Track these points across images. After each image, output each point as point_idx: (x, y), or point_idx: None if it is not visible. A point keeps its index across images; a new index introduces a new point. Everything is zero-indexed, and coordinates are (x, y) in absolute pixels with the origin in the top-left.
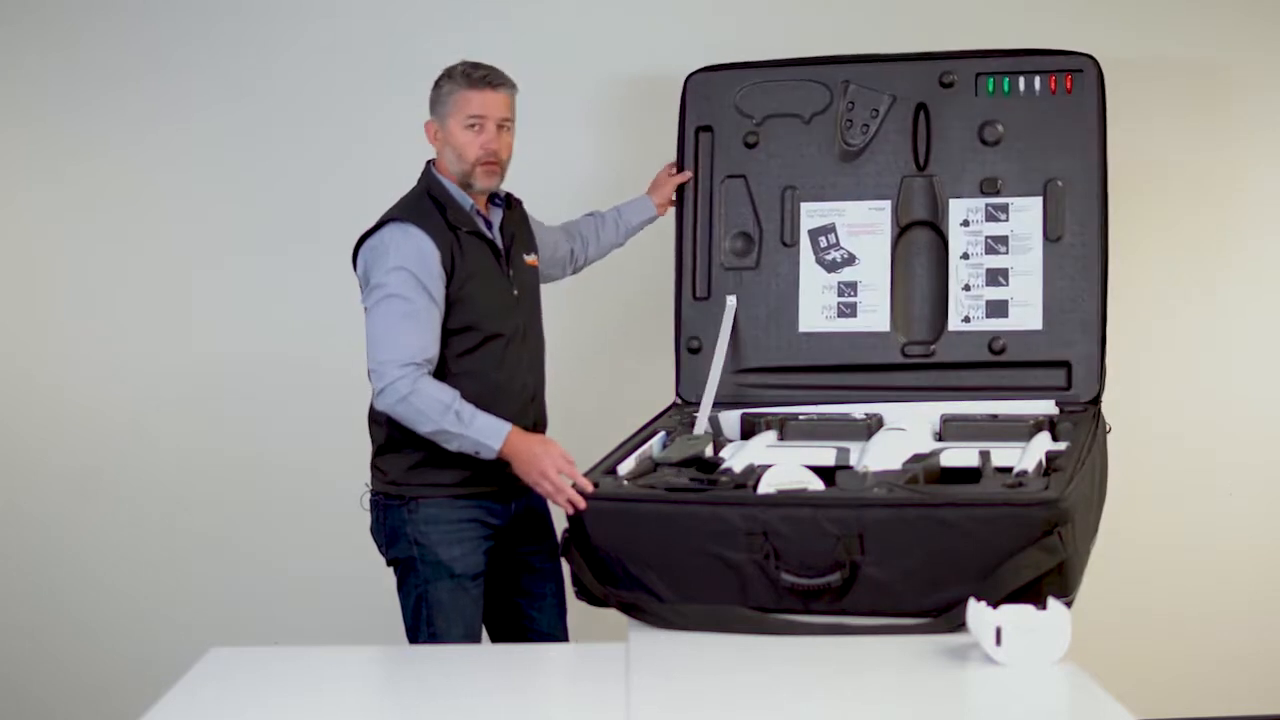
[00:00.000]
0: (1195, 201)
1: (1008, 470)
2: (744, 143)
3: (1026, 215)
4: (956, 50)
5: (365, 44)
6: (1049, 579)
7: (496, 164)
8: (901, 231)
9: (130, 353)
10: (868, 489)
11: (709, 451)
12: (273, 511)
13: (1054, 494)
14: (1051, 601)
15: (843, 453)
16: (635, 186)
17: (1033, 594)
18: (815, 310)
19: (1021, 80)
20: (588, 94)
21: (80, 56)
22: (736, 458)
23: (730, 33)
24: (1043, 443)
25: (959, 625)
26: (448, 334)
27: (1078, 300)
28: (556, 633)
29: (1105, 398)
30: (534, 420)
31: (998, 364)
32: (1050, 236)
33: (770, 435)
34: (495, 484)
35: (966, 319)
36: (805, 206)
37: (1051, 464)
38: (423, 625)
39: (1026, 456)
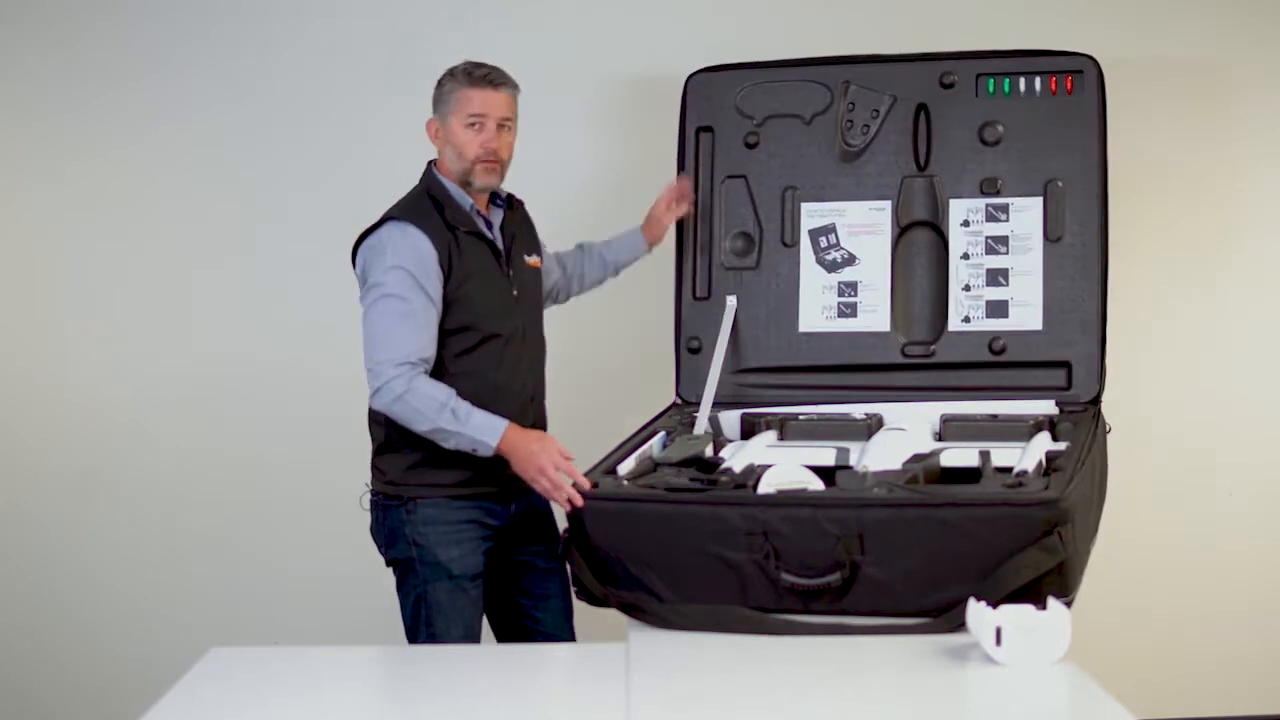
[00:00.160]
0: (1195, 201)
1: (1008, 470)
2: (744, 143)
3: (1026, 215)
4: (957, 51)
5: (365, 44)
6: (1049, 579)
7: (496, 162)
8: (902, 232)
9: (130, 353)
10: (868, 489)
11: (709, 451)
12: (273, 511)
13: (1054, 494)
14: (1051, 601)
15: (843, 453)
16: (635, 187)
17: (1033, 594)
18: (815, 310)
19: (1022, 81)
20: (588, 94)
21: (80, 56)
22: (736, 458)
23: (730, 33)
24: (1043, 443)
25: (959, 625)
26: (446, 334)
27: (1078, 300)
28: (562, 633)
29: (1105, 398)
30: (533, 421)
31: (998, 364)
32: (1050, 237)
33: (770, 435)
34: (495, 485)
35: (966, 319)
36: (806, 207)
37: (1051, 464)
38: (422, 626)
39: (1026, 456)
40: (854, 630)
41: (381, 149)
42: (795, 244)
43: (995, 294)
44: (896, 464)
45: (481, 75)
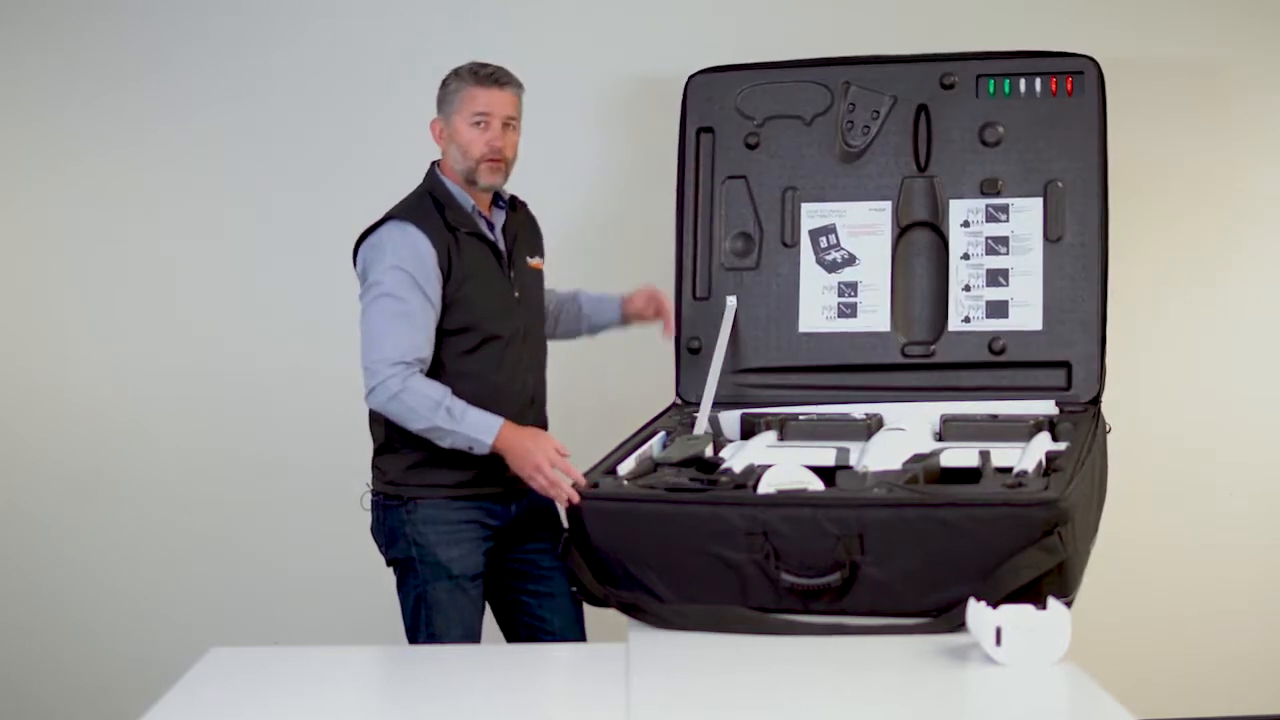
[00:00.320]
0: (1195, 201)
1: (1008, 470)
2: (745, 143)
3: (1027, 216)
4: (957, 52)
5: (365, 44)
6: (1049, 579)
7: (501, 161)
8: (902, 232)
9: (130, 353)
10: (868, 489)
11: (709, 451)
12: (273, 511)
13: (1054, 494)
14: (1051, 601)
15: (843, 453)
16: (635, 187)
17: (1033, 594)
18: (815, 310)
19: (1022, 81)
20: (588, 95)
21: (80, 56)
22: (736, 458)
23: (730, 33)
24: (1043, 443)
25: (959, 625)
26: (446, 334)
27: (1078, 300)
28: (570, 631)
29: (1105, 398)
30: (534, 423)
31: (998, 364)
32: (1050, 237)
33: (770, 435)
34: (496, 485)
35: (966, 319)
36: (806, 207)
37: (1051, 464)
38: (421, 625)
39: (1026, 456)
40: (854, 630)
41: (382, 149)
42: (795, 244)
43: (995, 294)
44: (896, 464)
45: (486, 74)
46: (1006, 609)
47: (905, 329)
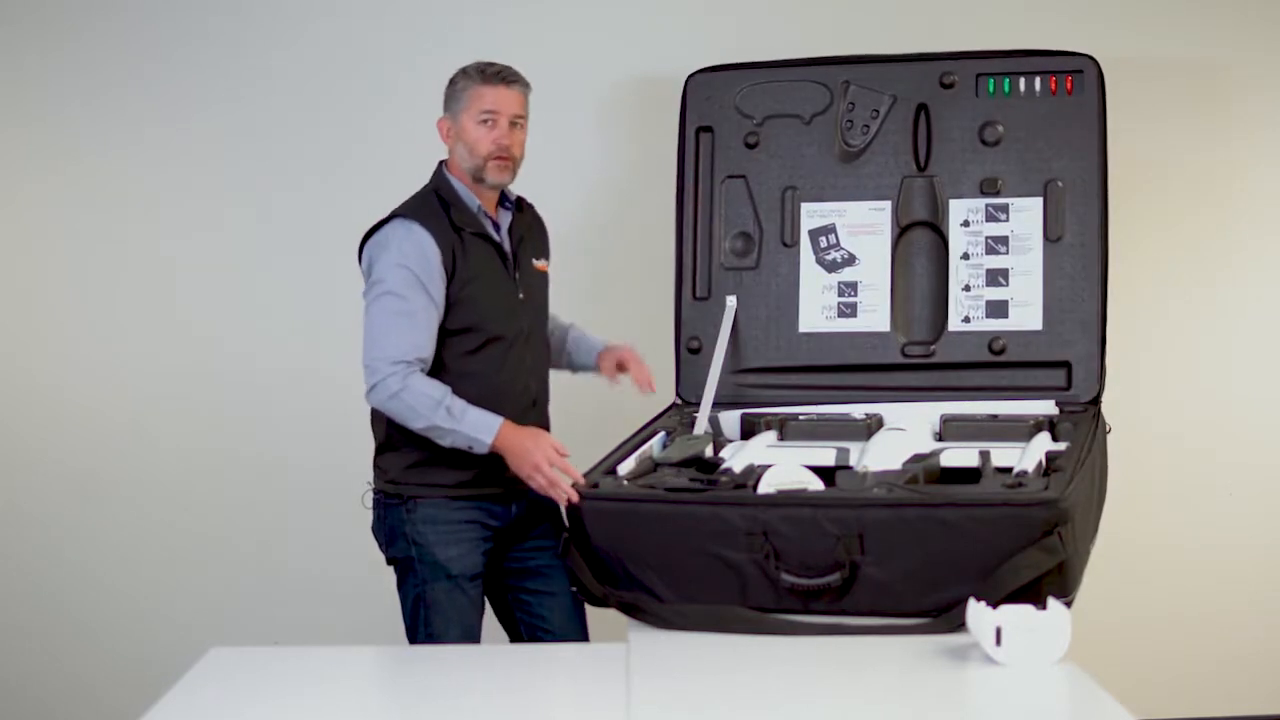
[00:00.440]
0: (1195, 201)
1: (1008, 470)
2: (744, 143)
3: (1026, 215)
4: (957, 51)
5: (365, 44)
6: (1049, 579)
7: (509, 159)
8: (902, 232)
9: (130, 353)
10: (868, 489)
11: (709, 451)
12: (273, 511)
13: (1054, 494)
14: (1051, 601)
15: (843, 453)
16: (636, 187)
17: (1033, 594)
18: (815, 310)
19: (1022, 81)
20: (588, 94)
21: (80, 56)
22: (736, 458)
23: (730, 33)
24: (1043, 443)
25: (959, 625)
26: (449, 334)
27: (1078, 300)
28: (569, 631)
29: (1105, 398)
30: (535, 425)
31: (998, 364)
32: (1050, 236)
33: (770, 435)
34: (496, 485)
35: (966, 319)
36: (805, 207)
37: (1051, 464)
38: (421, 625)
39: (1026, 456)
40: (854, 630)
41: (381, 149)
42: (795, 244)
43: (995, 294)
44: (896, 464)
45: (494, 73)
46: (1006, 609)
47: (905, 329)
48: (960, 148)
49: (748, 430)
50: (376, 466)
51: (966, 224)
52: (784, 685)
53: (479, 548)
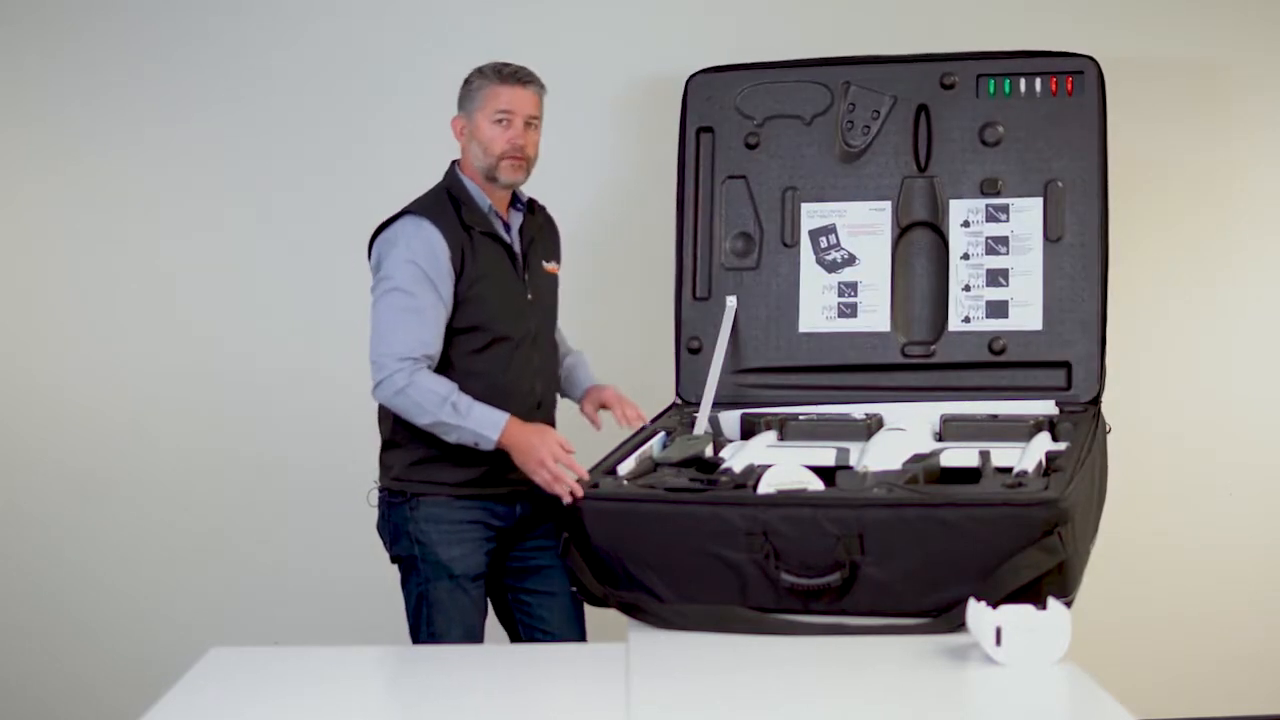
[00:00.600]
0: (1195, 201)
1: (1008, 470)
2: (745, 143)
3: (1026, 216)
4: (957, 51)
5: (365, 44)
6: (1049, 579)
7: (522, 159)
8: (902, 232)
9: (130, 353)
10: (868, 489)
11: (709, 451)
12: (273, 511)
13: (1054, 494)
14: (1051, 601)
15: (843, 453)
16: (636, 187)
17: (1033, 594)
18: (815, 310)
19: (1022, 81)
20: (588, 95)
21: (80, 56)
22: (736, 458)
23: (730, 33)
24: (1043, 443)
25: (959, 625)
26: (456, 333)
27: (1078, 300)
28: (568, 632)
29: (1105, 398)
30: None
31: (998, 364)
32: (1050, 237)
33: (770, 435)
34: (500, 485)
35: (966, 319)
36: (806, 207)
37: (1051, 464)
38: (423, 624)
39: (1026, 456)
40: (854, 630)
41: (381, 149)
42: (795, 244)
43: (995, 294)
44: (896, 464)
45: (510, 73)
46: (1006, 609)
47: (905, 329)
48: (960, 148)
49: (748, 430)
50: (381, 464)
51: (966, 224)
52: (784, 685)
53: (482, 548)
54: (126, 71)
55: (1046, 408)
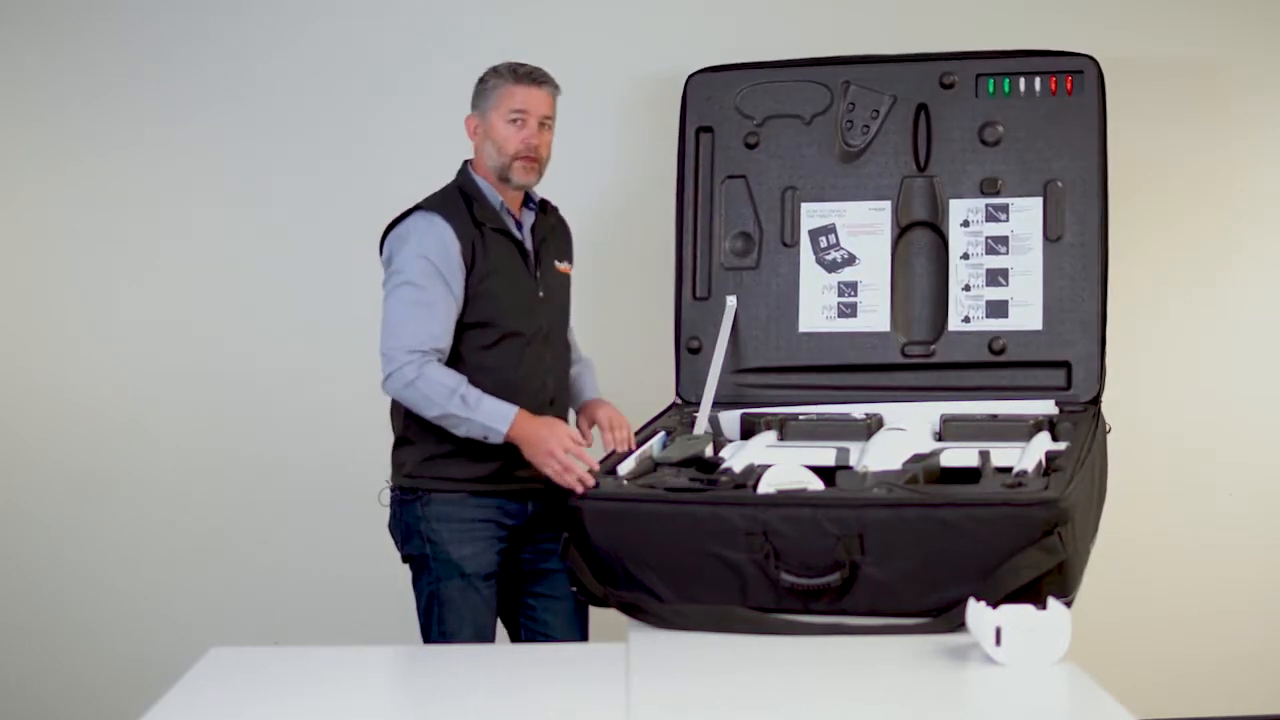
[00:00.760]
0: (1195, 201)
1: (1008, 470)
2: (744, 143)
3: (1026, 215)
4: (957, 51)
5: (365, 44)
6: (1049, 579)
7: (535, 159)
8: (902, 232)
9: (130, 353)
10: (868, 489)
11: (709, 451)
12: (273, 511)
13: (1054, 494)
14: (1051, 601)
15: (843, 453)
16: (635, 187)
17: (1033, 594)
18: (815, 310)
19: (1022, 81)
20: (588, 95)
21: (80, 56)
22: (736, 458)
23: (730, 33)
24: (1043, 443)
25: (959, 625)
26: (467, 328)
27: (1078, 300)
28: (571, 639)
29: (1105, 398)
30: None
31: (998, 364)
32: (1050, 236)
33: (770, 435)
34: (512, 482)
35: (966, 319)
36: (805, 207)
37: (1051, 464)
38: (434, 623)
39: (1026, 456)
40: (854, 630)
41: (382, 149)
42: (795, 244)
43: (995, 294)
44: (896, 464)
45: (525, 73)
46: (1006, 609)
47: (905, 329)
48: (960, 148)
49: (748, 430)
50: (394, 461)
51: (966, 224)
52: (784, 685)
53: (493, 547)
54: (126, 71)
55: (1046, 408)
